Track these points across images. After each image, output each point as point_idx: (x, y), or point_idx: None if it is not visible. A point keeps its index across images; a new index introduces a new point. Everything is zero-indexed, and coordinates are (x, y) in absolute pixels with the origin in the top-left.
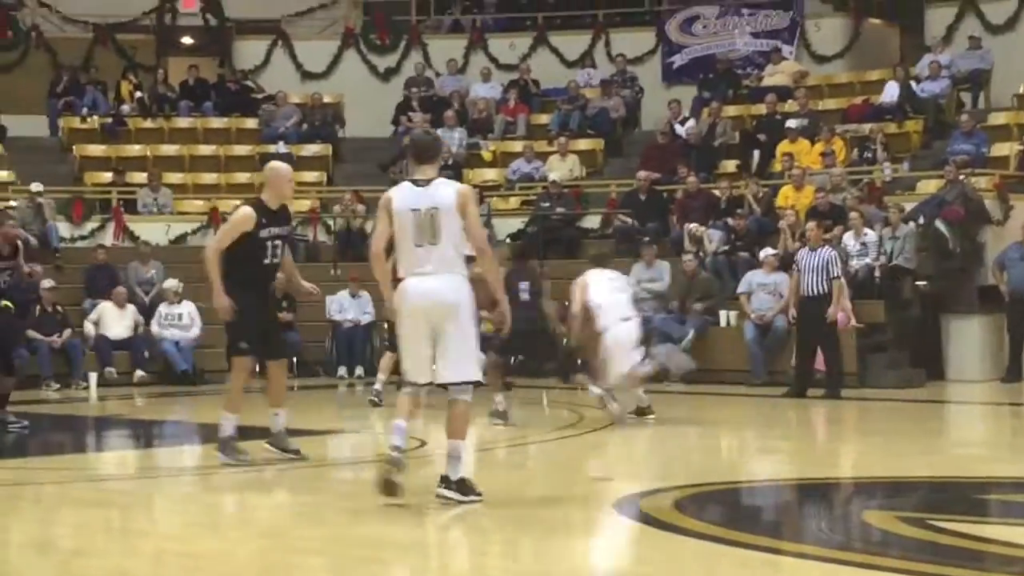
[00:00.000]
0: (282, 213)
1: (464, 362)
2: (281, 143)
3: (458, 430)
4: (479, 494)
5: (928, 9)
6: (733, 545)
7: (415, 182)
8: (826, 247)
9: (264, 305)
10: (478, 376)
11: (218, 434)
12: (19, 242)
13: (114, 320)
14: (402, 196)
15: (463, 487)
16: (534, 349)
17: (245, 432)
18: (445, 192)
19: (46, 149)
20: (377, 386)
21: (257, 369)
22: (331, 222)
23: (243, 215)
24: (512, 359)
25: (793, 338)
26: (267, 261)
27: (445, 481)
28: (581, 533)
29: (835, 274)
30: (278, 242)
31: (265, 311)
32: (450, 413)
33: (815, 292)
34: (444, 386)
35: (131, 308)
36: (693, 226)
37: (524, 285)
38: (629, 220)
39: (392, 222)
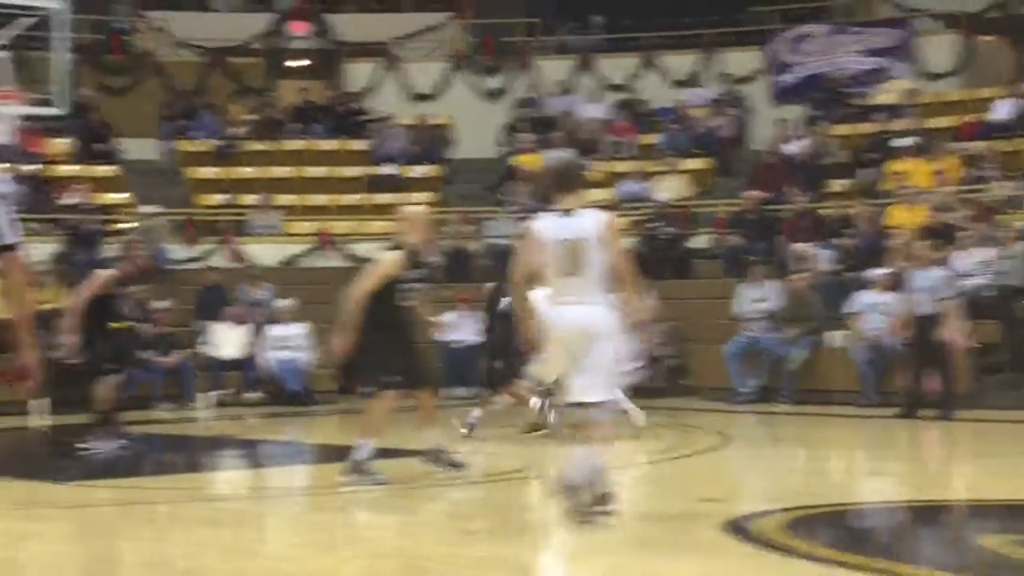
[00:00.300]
0: (419, 256)
1: (603, 383)
2: (390, 165)
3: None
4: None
5: None
6: (846, 568)
7: (560, 212)
8: (937, 266)
9: (405, 339)
10: (612, 396)
11: (351, 457)
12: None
13: (226, 340)
14: (548, 228)
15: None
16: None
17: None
18: (591, 222)
19: (160, 172)
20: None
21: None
22: (441, 243)
23: (391, 260)
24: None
25: (904, 358)
26: (405, 303)
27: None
28: (690, 555)
29: (947, 294)
30: (416, 285)
31: (406, 345)
32: (590, 434)
33: (927, 312)
34: (581, 405)
35: (242, 328)
36: (800, 246)
37: (505, 300)
38: (738, 240)
39: (537, 251)
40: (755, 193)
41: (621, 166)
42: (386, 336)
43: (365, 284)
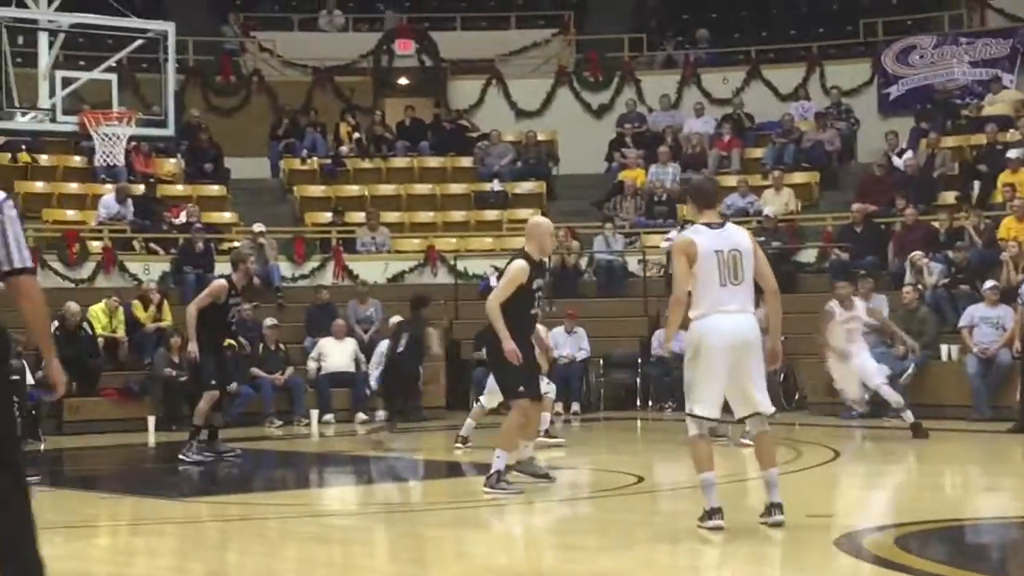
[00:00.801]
0: (543, 265)
1: (767, 393)
2: (496, 181)
3: (773, 458)
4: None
5: None
6: None
7: (710, 225)
8: None
9: (531, 349)
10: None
11: (491, 469)
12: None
13: (334, 353)
14: (704, 240)
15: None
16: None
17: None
18: (741, 235)
19: (268, 190)
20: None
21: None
22: (546, 259)
23: (518, 268)
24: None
25: (1018, 372)
26: (534, 311)
27: (779, 508)
28: (803, 570)
29: None
30: (541, 292)
31: (532, 355)
32: (761, 443)
33: None
34: (744, 419)
35: (351, 341)
36: (917, 254)
37: (405, 337)
38: (846, 254)
39: (693, 265)
40: (863, 206)
41: (727, 180)
42: (523, 345)
43: (500, 293)
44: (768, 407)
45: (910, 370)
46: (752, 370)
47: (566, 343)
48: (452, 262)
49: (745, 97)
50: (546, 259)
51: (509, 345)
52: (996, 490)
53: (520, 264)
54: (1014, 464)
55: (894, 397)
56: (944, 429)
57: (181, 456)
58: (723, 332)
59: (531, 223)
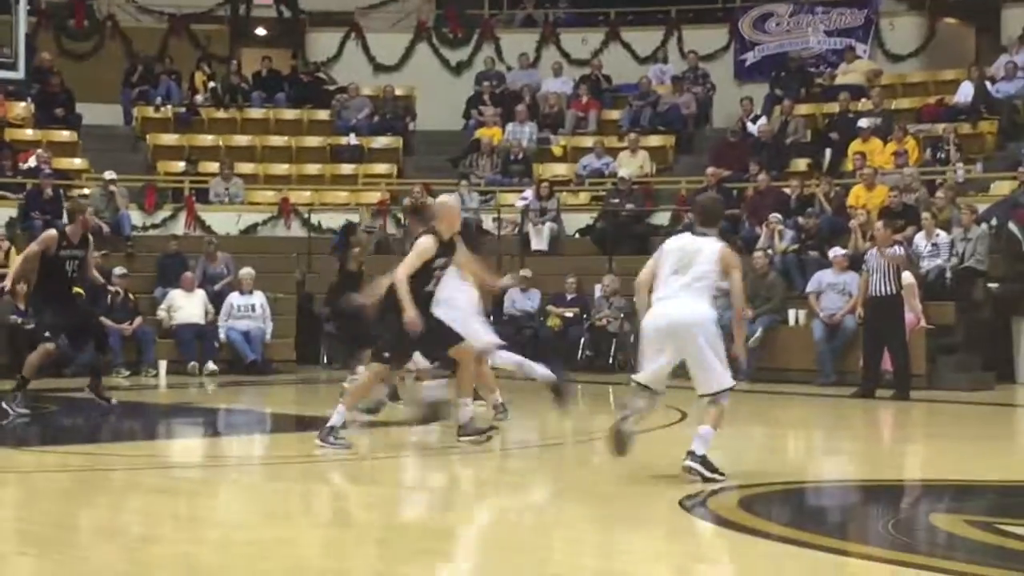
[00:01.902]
0: (450, 243)
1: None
2: (352, 135)
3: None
4: (722, 474)
5: (1004, 9)
6: (800, 546)
7: (693, 232)
8: (895, 247)
9: (427, 320)
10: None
11: (327, 423)
12: (90, 233)
13: (184, 304)
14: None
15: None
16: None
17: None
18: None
19: (120, 137)
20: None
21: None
22: (400, 215)
23: (427, 245)
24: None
25: (861, 338)
26: (429, 287)
27: (690, 454)
28: (646, 530)
29: (905, 275)
30: (440, 272)
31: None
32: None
33: (884, 292)
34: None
35: (200, 293)
36: (774, 217)
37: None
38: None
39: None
40: (717, 170)
41: (583, 141)
42: (422, 313)
43: (407, 267)
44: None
45: (757, 333)
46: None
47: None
48: (306, 215)
49: (603, 58)
50: (453, 237)
51: (411, 314)
52: (837, 453)
53: (428, 241)
54: (855, 428)
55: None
56: (790, 393)
57: (4, 407)
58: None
59: (439, 203)
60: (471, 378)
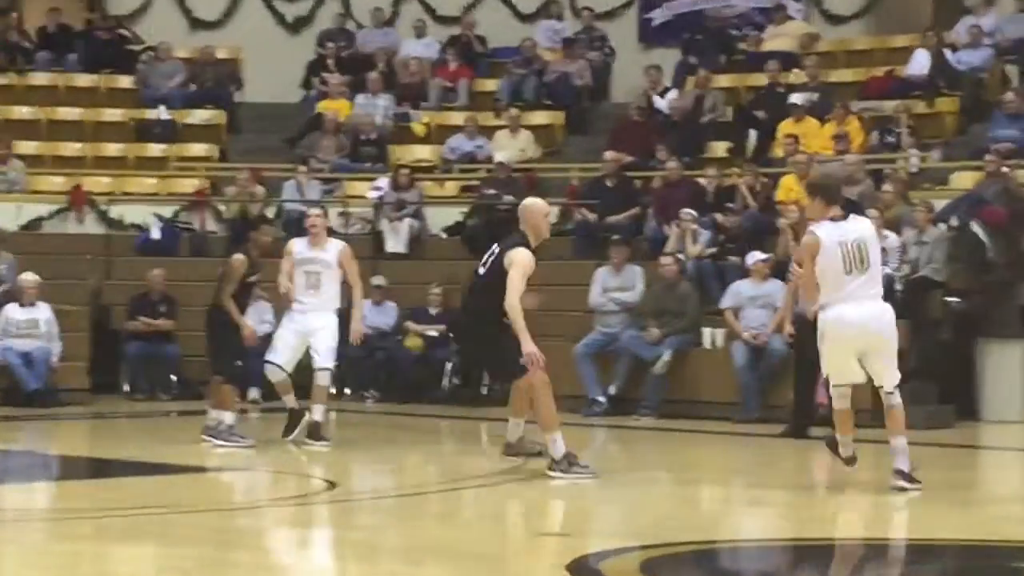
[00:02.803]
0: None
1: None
2: (162, 108)
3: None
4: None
5: None
6: None
7: (833, 219)
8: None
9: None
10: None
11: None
12: None
13: None
14: (827, 232)
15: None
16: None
17: None
18: (864, 225)
19: None
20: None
21: None
22: (223, 207)
23: (530, 258)
24: None
25: (792, 363)
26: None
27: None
28: None
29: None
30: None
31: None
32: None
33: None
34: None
35: None
36: (687, 213)
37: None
38: (594, 214)
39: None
40: (617, 155)
41: (451, 118)
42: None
43: (516, 290)
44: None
45: (665, 357)
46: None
47: (250, 315)
48: (104, 208)
49: (477, 15)
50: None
51: (530, 347)
52: (762, 505)
53: (527, 255)
54: (784, 474)
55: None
56: (705, 431)
57: None
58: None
59: (523, 206)
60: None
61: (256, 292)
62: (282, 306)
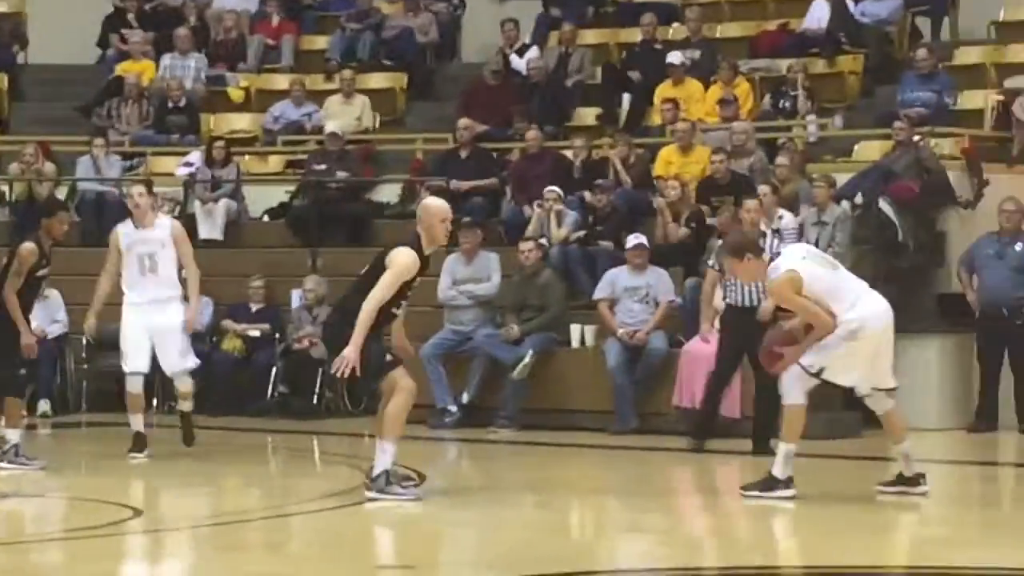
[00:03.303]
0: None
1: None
2: None
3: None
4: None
5: None
6: None
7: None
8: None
9: None
10: None
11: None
12: None
13: None
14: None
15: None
16: None
17: None
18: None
19: None
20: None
21: None
22: (5, 187)
23: (409, 263)
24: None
25: (673, 365)
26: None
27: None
28: None
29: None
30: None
31: None
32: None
33: (750, 301)
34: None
35: None
36: (551, 192)
37: None
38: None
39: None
40: (469, 122)
41: (274, 82)
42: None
43: (383, 293)
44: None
45: (526, 359)
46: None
47: (34, 312)
48: None
49: None
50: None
51: (354, 353)
52: (639, 531)
53: (410, 258)
54: (666, 495)
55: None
56: (574, 445)
57: None
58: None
59: (421, 207)
60: None
61: (44, 287)
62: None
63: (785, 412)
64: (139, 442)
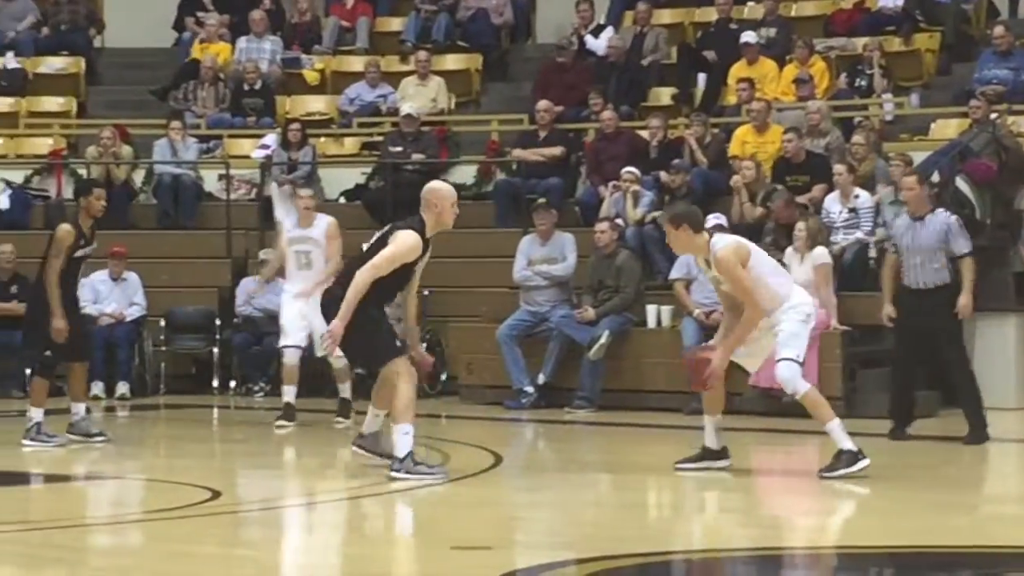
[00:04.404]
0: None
1: None
2: (10, 55)
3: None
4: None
5: None
6: None
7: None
8: (941, 211)
9: None
10: None
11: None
12: None
13: None
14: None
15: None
16: None
17: None
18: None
19: None
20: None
21: None
22: (83, 171)
23: (412, 244)
24: None
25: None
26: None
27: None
28: None
29: (962, 250)
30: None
31: None
32: None
33: (925, 283)
34: None
35: None
36: (627, 172)
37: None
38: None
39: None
40: (547, 106)
41: (349, 63)
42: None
43: (376, 268)
44: None
45: (602, 340)
46: None
47: (111, 294)
48: None
49: None
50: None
51: (339, 329)
52: (717, 511)
53: (414, 240)
54: (743, 474)
55: None
56: (649, 425)
57: None
58: None
59: (428, 190)
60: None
61: (84, 268)
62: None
63: (806, 403)
64: (288, 412)
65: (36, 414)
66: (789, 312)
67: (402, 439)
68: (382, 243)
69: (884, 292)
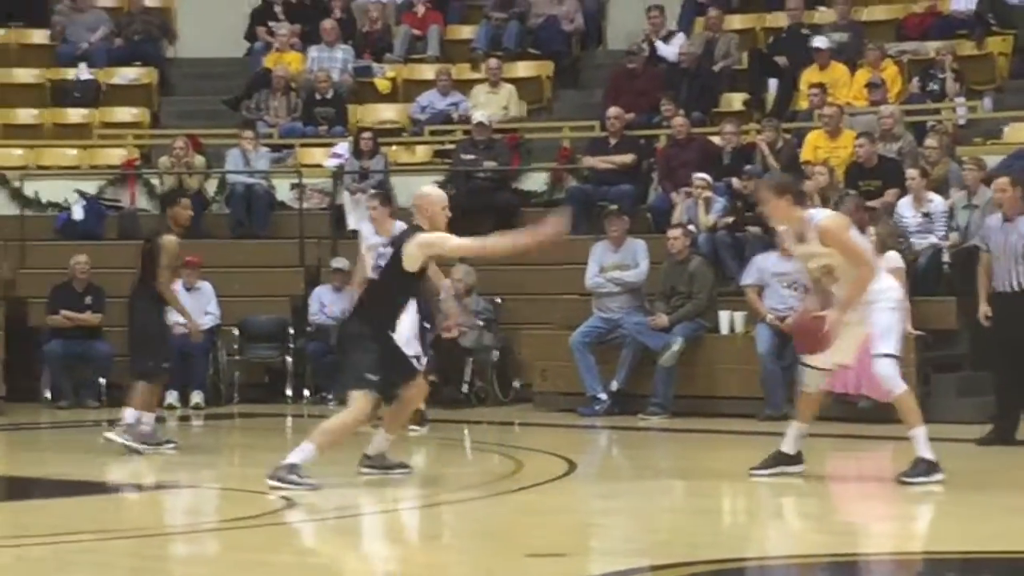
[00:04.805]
0: None
1: None
2: (83, 66)
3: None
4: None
5: None
6: None
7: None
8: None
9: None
10: None
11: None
12: None
13: None
14: None
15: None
16: None
17: None
18: None
19: None
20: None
21: None
22: (156, 181)
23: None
24: None
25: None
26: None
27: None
28: None
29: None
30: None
31: None
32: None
33: (1017, 285)
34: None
35: None
36: (699, 178)
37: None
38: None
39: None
40: (618, 113)
41: (420, 72)
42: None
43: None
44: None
45: (675, 347)
46: None
47: (185, 304)
48: (16, 184)
49: None
50: None
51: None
52: (792, 517)
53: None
54: (819, 480)
55: None
56: (723, 431)
57: None
58: None
59: (418, 196)
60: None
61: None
62: None
63: (899, 403)
64: (422, 416)
65: (131, 415)
66: (879, 298)
67: (303, 451)
68: (395, 262)
69: (980, 292)
